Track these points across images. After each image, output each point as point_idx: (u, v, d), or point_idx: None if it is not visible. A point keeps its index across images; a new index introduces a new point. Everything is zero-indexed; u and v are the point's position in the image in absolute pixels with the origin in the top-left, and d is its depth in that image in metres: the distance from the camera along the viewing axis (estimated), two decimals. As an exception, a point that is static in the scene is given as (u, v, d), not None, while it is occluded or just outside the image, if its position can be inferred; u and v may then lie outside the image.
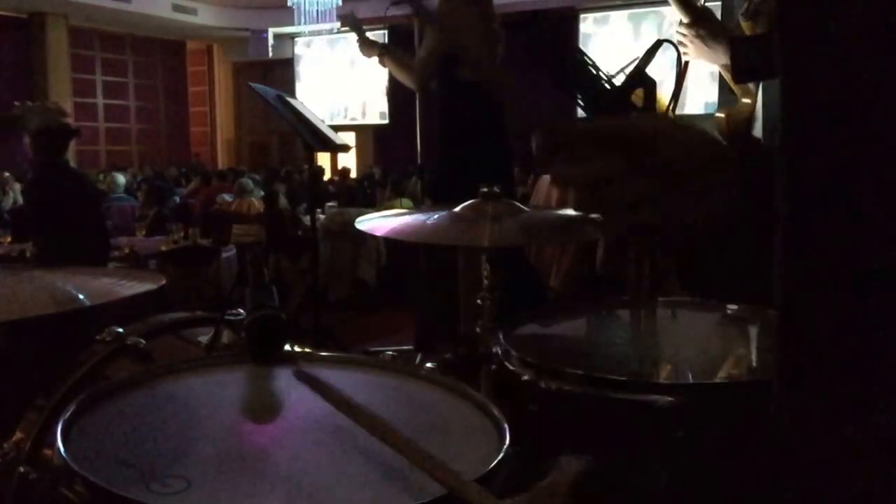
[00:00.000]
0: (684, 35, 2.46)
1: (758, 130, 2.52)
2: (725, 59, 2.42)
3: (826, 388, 0.54)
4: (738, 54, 2.29)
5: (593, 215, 0.71)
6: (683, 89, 2.24)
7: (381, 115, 18.06)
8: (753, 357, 1.38)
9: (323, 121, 4.48)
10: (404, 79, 3.90)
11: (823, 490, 0.55)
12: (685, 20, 2.48)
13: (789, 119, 0.55)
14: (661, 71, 2.49)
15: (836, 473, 0.54)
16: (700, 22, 2.40)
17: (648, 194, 0.68)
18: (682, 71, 2.07)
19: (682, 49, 2.49)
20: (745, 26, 2.48)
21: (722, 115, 2.66)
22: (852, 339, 0.53)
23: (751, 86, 2.59)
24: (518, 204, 1.64)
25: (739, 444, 1.14)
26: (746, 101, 2.58)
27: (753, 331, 1.47)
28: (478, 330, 1.60)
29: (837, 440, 0.53)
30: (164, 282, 1.41)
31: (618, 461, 0.69)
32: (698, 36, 2.42)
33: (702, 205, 0.71)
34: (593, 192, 0.69)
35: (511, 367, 1.36)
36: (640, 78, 1.89)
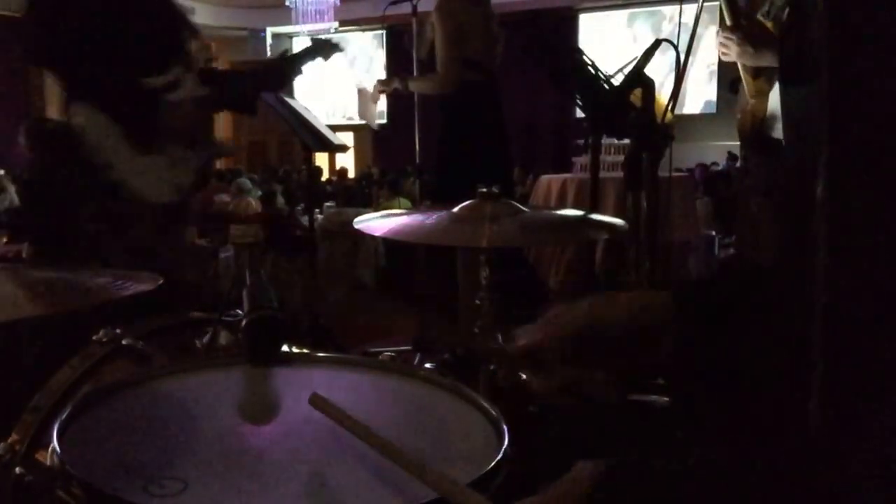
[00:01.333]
0: (729, 38, 2.49)
1: (777, 131, 2.53)
2: (770, 61, 2.44)
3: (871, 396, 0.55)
4: (789, 49, 2.29)
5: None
6: (682, 89, 2.25)
7: (380, 115, 18.04)
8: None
9: (321, 121, 4.47)
10: (430, 88, 3.95)
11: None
12: (729, 22, 2.49)
13: (833, 124, 0.56)
14: (661, 71, 2.50)
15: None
16: (745, 25, 2.43)
17: (608, 384, 0.83)
18: (680, 71, 2.07)
19: (721, 50, 2.51)
20: (770, 25, 2.50)
21: (746, 112, 2.68)
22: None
23: (765, 87, 2.61)
24: (517, 204, 1.64)
25: (739, 443, 1.13)
26: (758, 101, 2.61)
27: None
28: (476, 330, 1.60)
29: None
30: (161, 282, 1.41)
31: (633, 465, 0.70)
32: (746, 38, 2.44)
33: (646, 360, 0.83)
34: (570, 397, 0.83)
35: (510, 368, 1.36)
36: (638, 78, 1.89)
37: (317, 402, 0.95)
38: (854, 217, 0.55)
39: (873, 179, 0.54)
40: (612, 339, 0.80)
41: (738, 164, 12.09)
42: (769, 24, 2.45)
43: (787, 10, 2.41)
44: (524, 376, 1.32)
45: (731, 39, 2.49)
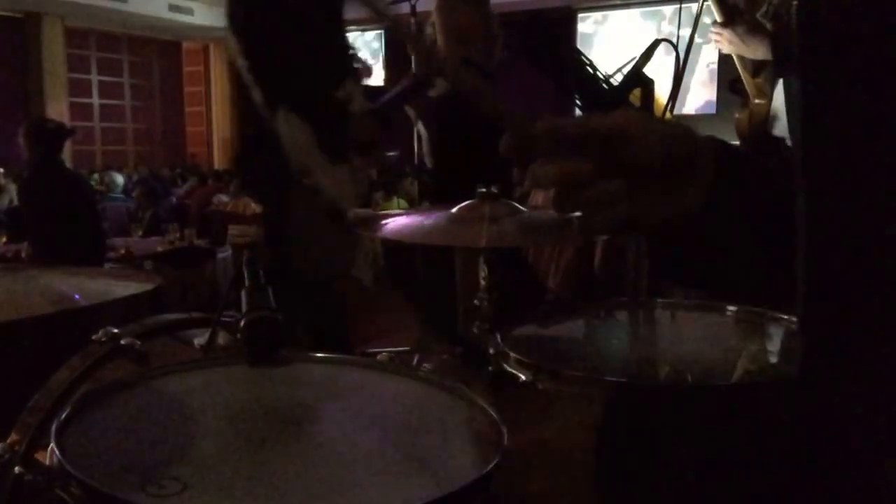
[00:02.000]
0: (720, 34, 2.49)
1: (779, 130, 2.54)
2: (764, 54, 2.45)
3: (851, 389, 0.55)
4: (781, 47, 2.31)
5: (572, 214, 0.70)
6: (682, 89, 2.25)
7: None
8: (753, 358, 1.38)
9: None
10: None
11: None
12: (719, 19, 2.50)
13: (806, 119, 0.56)
14: (660, 71, 2.50)
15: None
16: (736, 20, 2.43)
17: (621, 193, 0.68)
18: (680, 71, 2.07)
19: (717, 45, 2.52)
20: (769, 26, 2.50)
21: (742, 115, 2.69)
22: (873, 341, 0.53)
23: (765, 85, 2.61)
24: (516, 204, 1.64)
25: (738, 444, 1.13)
26: (760, 101, 2.61)
27: (753, 331, 1.47)
28: (475, 331, 1.60)
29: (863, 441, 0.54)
30: (159, 282, 1.41)
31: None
32: (736, 34, 2.45)
33: (674, 202, 0.71)
34: (568, 193, 0.69)
35: (509, 369, 1.36)
36: (637, 77, 1.89)
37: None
38: (830, 213, 0.56)
39: (848, 173, 0.54)
40: (652, 157, 0.69)
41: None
42: (769, 25, 2.45)
43: (786, 10, 2.41)
44: (523, 377, 1.32)
45: (721, 34, 2.50)
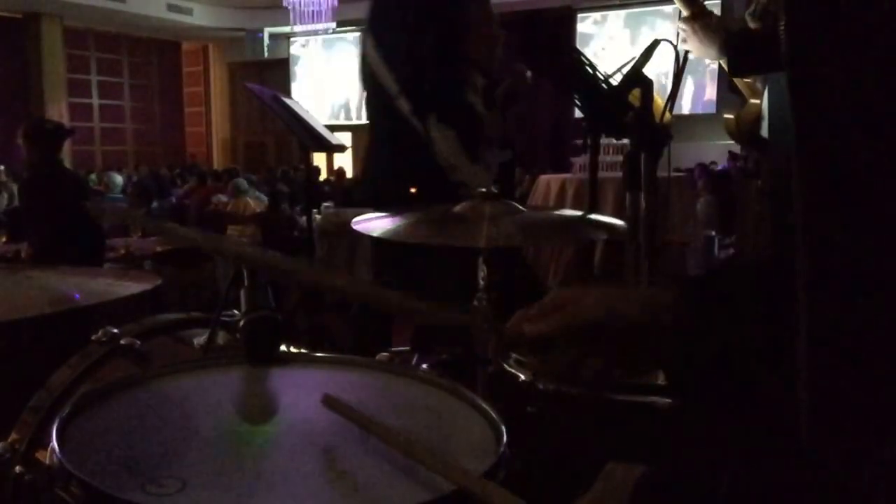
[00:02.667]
0: (685, 30, 2.47)
1: (765, 130, 2.53)
2: (721, 55, 2.42)
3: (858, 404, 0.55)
4: (733, 49, 2.30)
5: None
6: (682, 89, 2.25)
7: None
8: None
9: (319, 121, 4.47)
10: None
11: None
12: (685, 13, 2.48)
13: (801, 122, 0.56)
14: (661, 71, 2.50)
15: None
16: (698, 17, 2.41)
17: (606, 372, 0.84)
18: (679, 71, 2.07)
19: (683, 45, 2.50)
20: (754, 26, 2.49)
21: (731, 116, 2.69)
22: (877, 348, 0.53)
23: (758, 86, 2.61)
24: (515, 204, 1.64)
25: (737, 444, 1.13)
26: (755, 101, 2.60)
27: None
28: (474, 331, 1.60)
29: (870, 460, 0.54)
30: (159, 282, 1.41)
31: (672, 470, 0.71)
32: (695, 31, 2.42)
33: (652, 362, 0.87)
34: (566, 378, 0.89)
35: (508, 369, 1.36)
36: (637, 78, 1.89)
37: (331, 403, 0.96)
38: (827, 216, 0.56)
39: (841, 174, 0.54)
40: (621, 332, 0.81)
41: (738, 164, 12.12)
42: (756, 24, 2.44)
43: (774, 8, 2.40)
44: (522, 377, 1.33)
45: (685, 31, 2.48)
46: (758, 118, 2.62)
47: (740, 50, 2.31)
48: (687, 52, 2.25)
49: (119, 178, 9.83)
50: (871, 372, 0.54)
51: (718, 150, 13.75)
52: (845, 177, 0.54)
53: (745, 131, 2.67)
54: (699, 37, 2.41)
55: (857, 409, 0.55)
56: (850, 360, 0.55)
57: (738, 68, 2.42)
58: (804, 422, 0.58)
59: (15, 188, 9.10)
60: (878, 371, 0.54)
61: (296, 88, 18.62)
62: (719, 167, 12.39)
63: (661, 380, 1.17)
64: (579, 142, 6.69)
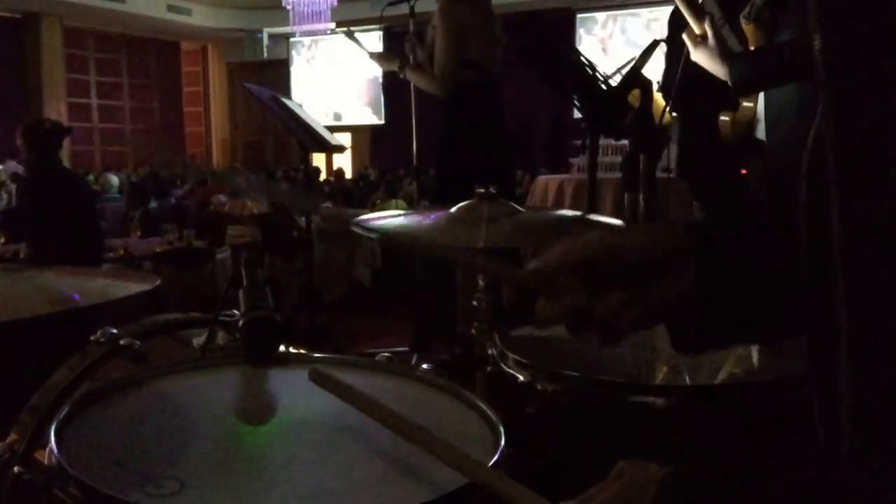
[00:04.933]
0: (691, 46, 2.49)
1: (760, 132, 2.54)
2: (722, 75, 2.45)
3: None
4: (736, 71, 2.31)
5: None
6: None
7: (377, 115, 18.08)
8: (752, 358, 1.38)
9: (318, 121, 4.47)
10: (426, 86, 3.88)
11: None
12: (696, 31, 2.50)
13: (836, 130, 0.56)
14: (660, 71, 2.50)
15: None
16: (704, 40, 2.43)
17: (623, 309, 0.77)
18: (678, 71, 2.07)
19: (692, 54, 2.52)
20: (748, 29, 2.50)
21: (726, 118, 2.69)
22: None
23: None
24: (514, 204, 1.64)
25: (736, 444, 1.14)
26: (748, 104, 2.60)
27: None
28: (474, 331, 1.60)
29: None
30: (158, 282, 1.41)
31: (694, 470, 0.70)
32: (703, 55, 2.44)
33: (663, 291, 0.78)
34: (577, 322, 0.78)
35: (507, 369, 1.36)
36: (636, 78, 1.90)
37: (318, 377, 0.96)
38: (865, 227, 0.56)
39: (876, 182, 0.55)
40: (629, 266, 0.77)
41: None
42: (750, 27, 2.45)
43: (767, 12, 2.41)
44: (521, 378, 1.32)
45: (691, 46, 2.49)
46: (752, 121, 2.63)
47: (740, 72, 2.31)
48: (687, 54, 2.26)
49: (115, 179, 9.83)
50: None
51: (717, 150, 13.75)
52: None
53: (738, 133, 2.67)
54: (709, 60, 2.43)
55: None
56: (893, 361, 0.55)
57: (743, 93, 2.43)
58: (846, 422, 0.58)
59: (14, 188, 9.10)
60: None
61: (295, 89, 18.61)
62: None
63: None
64: (578, 142, 6.69)
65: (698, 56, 2.44)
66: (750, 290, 0.78)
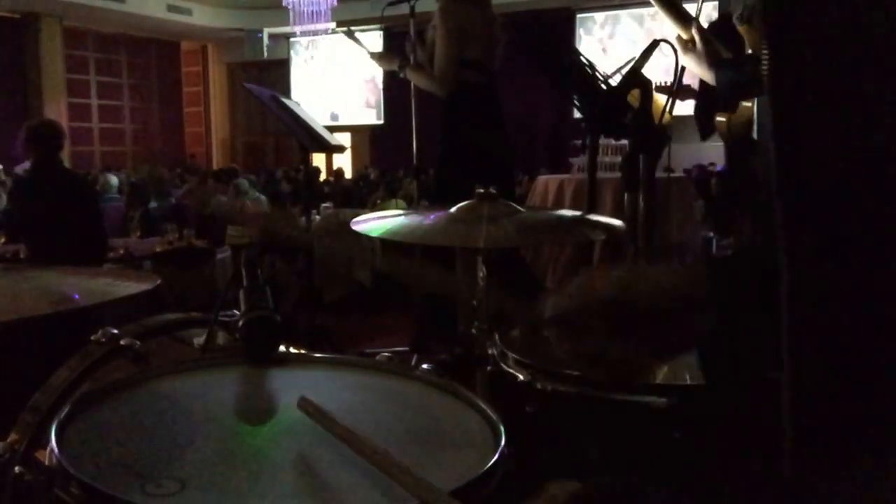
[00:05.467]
0: (680, 51, 2.50)
1: (756, 133, 2.55)
2: (710, 80, 2.47)
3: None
4: (722, 78, 2.32)
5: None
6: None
7: (377, 115, 18.08)
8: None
9: (318, 121, 4.47)
10: (426, 86, 3.88)
11: None
12: (683, 36, 2.50)
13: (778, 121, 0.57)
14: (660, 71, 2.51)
15: None
16: (691, 45, 2.44)
17: (636, 352, 0.80)
18: (678, 72, 2.08)
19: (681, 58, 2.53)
20: (742, 30, 2.50)
21: (723, 119, 2.70)
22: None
23: None
24: (514, 204, 1.64)
25: (734, 444, 1.14)
26: (746, 104, 2.61)
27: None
28: (474, 331, 1.60)
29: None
30: (158, 282, 1.41)
31: (609, 485, 0.71)
32: (693, 60, 2.46)
33: (685, 330, 0.82)
34: (593, 364, 0.82)
35: (507, 369, 1.36)
36: (636, 78, 1.90)
37: (306, 406, 0.96)
38: (810, 230, 0.56)
39: (824, 181, 0.55)
40: (643, 311, 0.79)
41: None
42: (743, 28, 2.45)
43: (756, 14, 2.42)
44: (521, 377, 1.33)
45: (680, 51, 2.50)
46: (749, 121, 2.63)
47: (727, 78, 2.32)
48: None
49: (115, 179, 9.82)
50: (855, 378, 0.55)
51: (717, 151, 13.74)
52: (824, 187, 0.54)
53: (735, 133, 2.68)
54: (694, 61, 2.44)
55: (838, 415, 0.56)
56: (832, 364, 0.56)
57: (728, 96, 2.45)
58: (787, 425, 0.59)
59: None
60: (863, 375, 0.55)
61: (295, 89, 18.61)
62: (717, 168, 12.41)
63: (682, 371, 1.17)
64: (578, 142, 6.69)
65: (687, 61, 2.44)
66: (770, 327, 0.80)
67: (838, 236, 0.54)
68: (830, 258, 0.55)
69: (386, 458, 0.83)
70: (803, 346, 0.57)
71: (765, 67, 0.56)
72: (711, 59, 2.36)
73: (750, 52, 2.42)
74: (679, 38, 2.47)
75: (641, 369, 0.78)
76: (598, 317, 0.79)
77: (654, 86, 2.80)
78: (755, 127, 2.56)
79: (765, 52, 0.57)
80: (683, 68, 2.18)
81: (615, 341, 0.78)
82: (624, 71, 1.91)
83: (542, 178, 6.15)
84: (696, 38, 2.32)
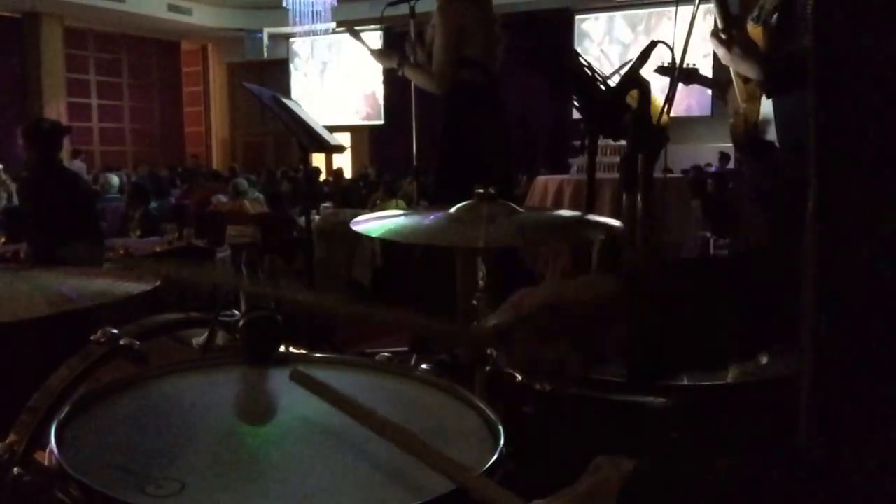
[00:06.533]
0: (716, 45, 2.55)
1: (770, 134, 2.57)
2: (748, 72, 2.52)
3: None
4: (775, 72, 2.38)
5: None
6: (679, 90, 2.26)
7: (377, 115, 18.08)
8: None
9: (318, 121, 4.47)
10: (425, 84, 3.88)
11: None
12: (721, 25, 2.55)
13: (823, 131, 0.58)
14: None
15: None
16: (734, 37, 2.49)
17: (568, 356, 0.90)
18: (676, 72, 2.08)
19: (717, 52, 2.58)
20: (754, 32, 2.52)
21: (738, 120, 2.73)
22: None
23: (756, 90, 2.63)
24: (513, 205, 1.64)
25: (733, 444, 1.14)
26: (749, 105, 2.64)
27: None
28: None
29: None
30: (158, 282, 1.41)
31: (662, 465, 0.72)
32: (731, 55, 2.51)
33: (609, 342, 0.92)
34: (530, 370, 0.98)
35: (507, 369, 1.36)
36: (634, 79, 1.90)
37: (299, 377, 0.97)
38: (843, 225, 0.57)
39: (862, 186, 0.55)
40: (571, 318, 0.88)
41: (728, 166, 12.17)
42: (758, 30, 2.48)
43: (775, 16, 2.45)
44: (518, 377, 1.33)
45: (718, 50, 2.55)
46: (756, 122, 2.65)
47: (783, 72, 2.37)
48: (683, 55, 2.26)
49: (115, 179, 9.82)
50: (877, 371, 0.55)
51: (715, 151, 13.78)
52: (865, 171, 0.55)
53: (749, 133, 2.70)
54: (737, 60, 2.49)
55: (859, 406, 0.57)
56: (857, 359, 0.56)
57: (781, 90, 2.48)
58: (804, 414, 0.59)
59: (14, 187, 9.09)
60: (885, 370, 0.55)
61: (295, 88, 18.61)
62: (714, 168, 12.44)
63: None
64: (577, 143, 6.68)
65: (728, 58, 2.49)
66: (688, 325, 0.87)
67: (872, 226, 0.55)
68: (864, 247, 0.56)
69: (388, 423, 0.88)
70: (829, 334, 0.58)
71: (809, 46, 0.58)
72: (757, 53, 2.41)
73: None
74: (717, 36, 2.52)
75: (574, 371, 0.89)
76: (528, 327, 0.89)
77: (657, 68, 2.85)
78: (770, 129, 2.59)
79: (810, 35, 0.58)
80: (682, 67, 2.18)
81: (545, 348, 0.88)
82: (622, 72, 1.91)
83: (541, 179, 6.16)
84: (737, 36, 2.40)
